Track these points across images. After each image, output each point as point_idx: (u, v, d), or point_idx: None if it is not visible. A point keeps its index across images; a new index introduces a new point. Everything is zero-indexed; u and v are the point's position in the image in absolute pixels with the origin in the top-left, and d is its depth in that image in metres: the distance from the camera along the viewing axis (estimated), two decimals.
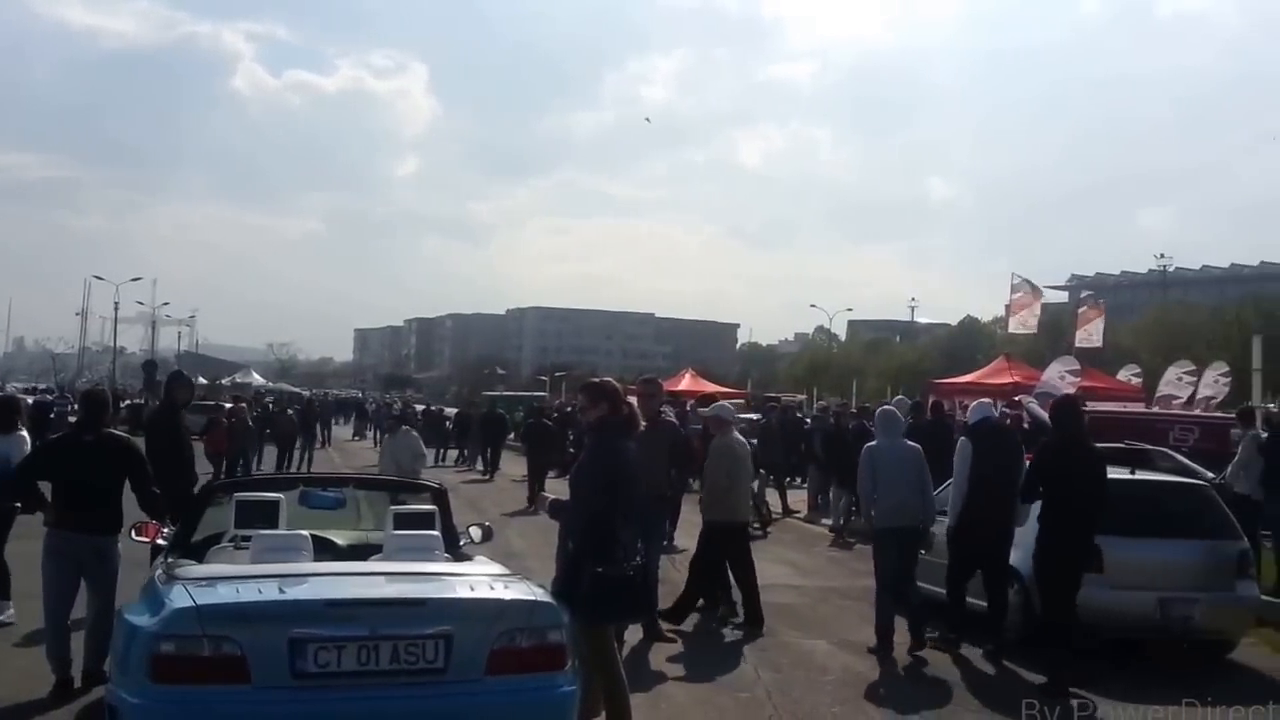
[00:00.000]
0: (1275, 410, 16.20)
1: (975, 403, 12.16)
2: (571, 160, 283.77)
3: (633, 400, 7.84)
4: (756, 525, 17.49)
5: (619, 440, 7.03)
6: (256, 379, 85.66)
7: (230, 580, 5.91)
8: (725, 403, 16.53)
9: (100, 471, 8.17)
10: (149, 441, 10.84)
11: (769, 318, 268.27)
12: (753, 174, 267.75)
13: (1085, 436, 9.92)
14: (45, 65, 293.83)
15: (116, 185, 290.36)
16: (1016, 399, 23.40)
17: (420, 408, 50.75)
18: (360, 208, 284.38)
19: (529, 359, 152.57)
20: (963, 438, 11.08)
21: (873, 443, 10.92)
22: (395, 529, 7.38)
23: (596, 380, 7.61)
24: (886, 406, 12.43)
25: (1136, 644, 10.42)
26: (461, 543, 7.95)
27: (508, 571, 6.70)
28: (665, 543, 13.27)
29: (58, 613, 8.09)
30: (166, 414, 11.95)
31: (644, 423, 9.36)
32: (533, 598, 6.05)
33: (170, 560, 6.94)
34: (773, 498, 21.78)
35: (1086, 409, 21.37)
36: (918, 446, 10.94)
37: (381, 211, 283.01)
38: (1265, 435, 14.46)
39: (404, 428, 17.05)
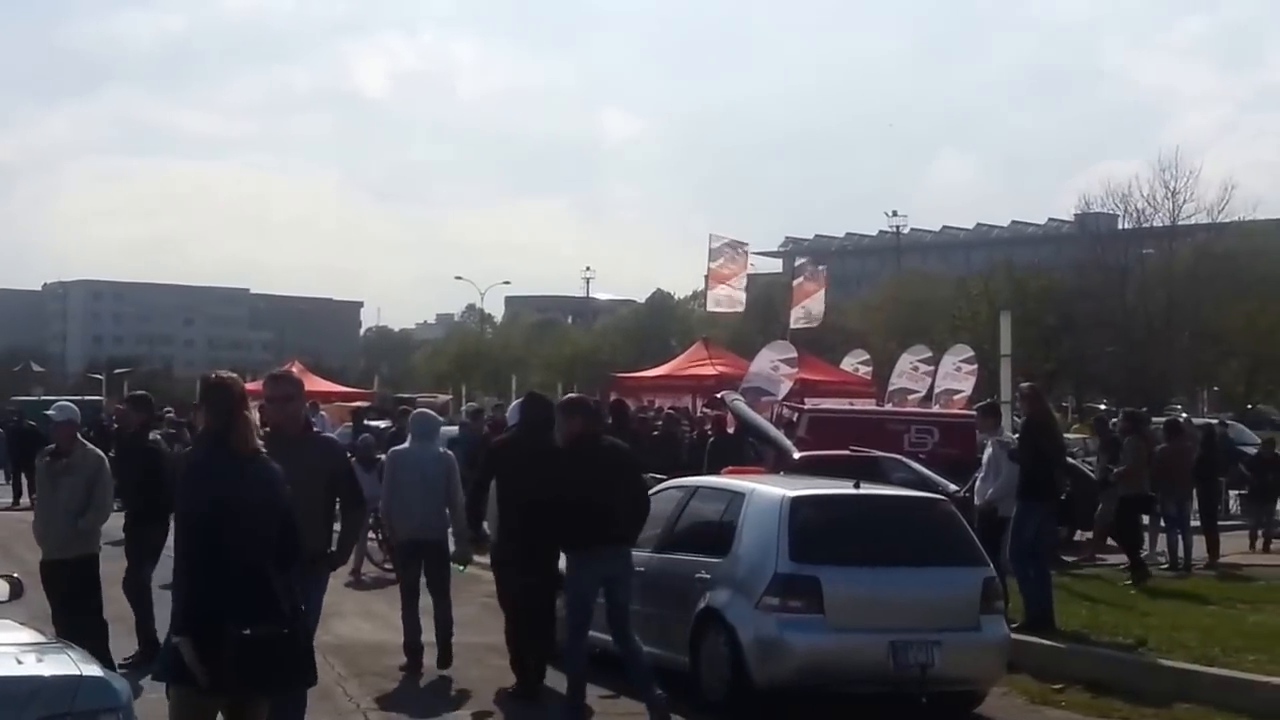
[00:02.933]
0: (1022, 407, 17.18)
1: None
2: (126, 80, 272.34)
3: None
4: None
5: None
6: None
7: None
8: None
9: None
10: None
11: (402, 294, 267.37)
12: (374, 102, 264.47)
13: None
14: None
15: None
16: (719, 396, 24.10)
17: None
18: None
19: (77, 351, 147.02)
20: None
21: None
22: None
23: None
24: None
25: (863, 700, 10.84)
26: None
27: (44, 639, 6.53)
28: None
29: None
30: None
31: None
32: (78, 672, 5.88)
33: None
34: None
35: (805, 408, 22.33)
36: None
37: None
38: (1015, 437, 15.23)
39: None
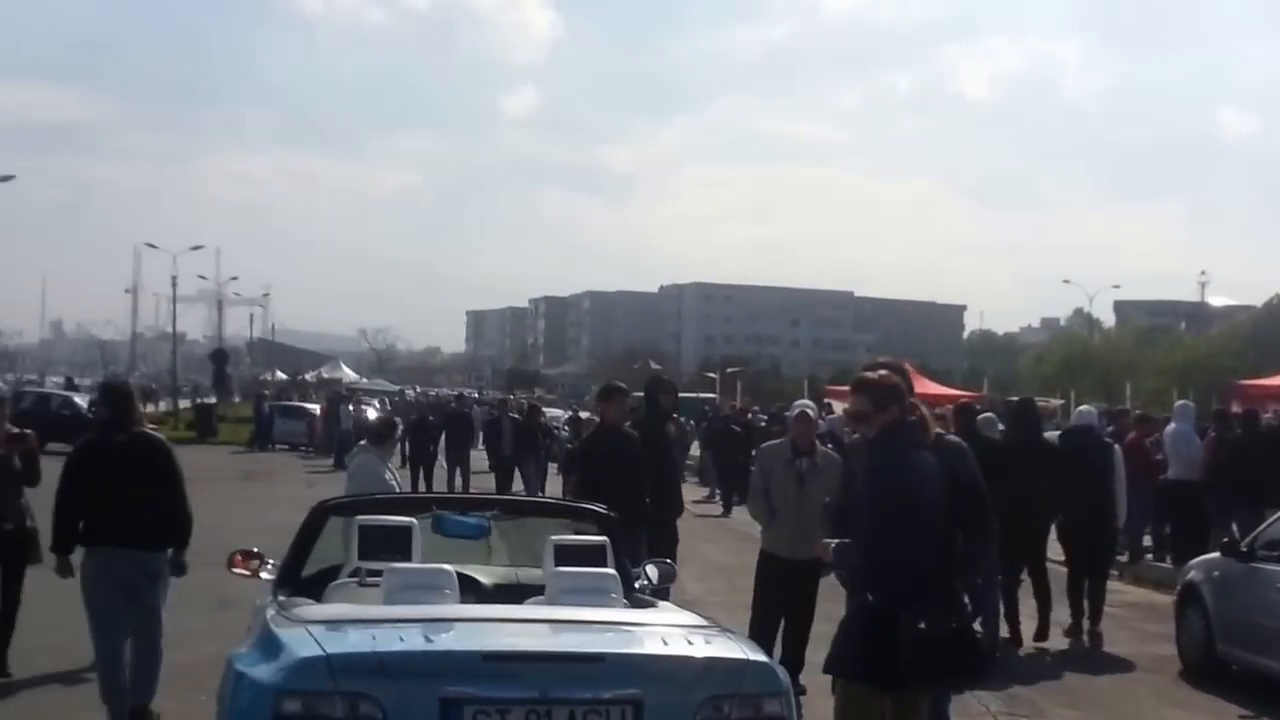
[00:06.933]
0: None
1: None
2: (733, 90, 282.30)
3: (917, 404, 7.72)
4: None
5: (912, 455, 7.13)
6: (347, 373, 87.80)
7: (363, 624, 6.10)
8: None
9: (141, 477, 9.16)
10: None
11: (1005, 298, 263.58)
12: (976, 105, 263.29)
13: None
14: None
15: (159, 129, 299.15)
16: None
17: (562, 414, 50.07)
18: (464, 154, 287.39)
19: (691, 350, 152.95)
20: None
21: None
22: (557, 564, 7.51)
23: (873, 376, 7.53)
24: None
25: None
26: (638, 583, 8.07)
27: (705, 621, 6.77)
28: None
29: (110, 647, 9.05)
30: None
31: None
32: (745, 656, 6.10)
33: (282, 598, 7.17)
34: None
35: None
36: None
37: (491, 159, 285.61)
38: None
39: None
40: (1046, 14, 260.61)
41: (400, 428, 19.79)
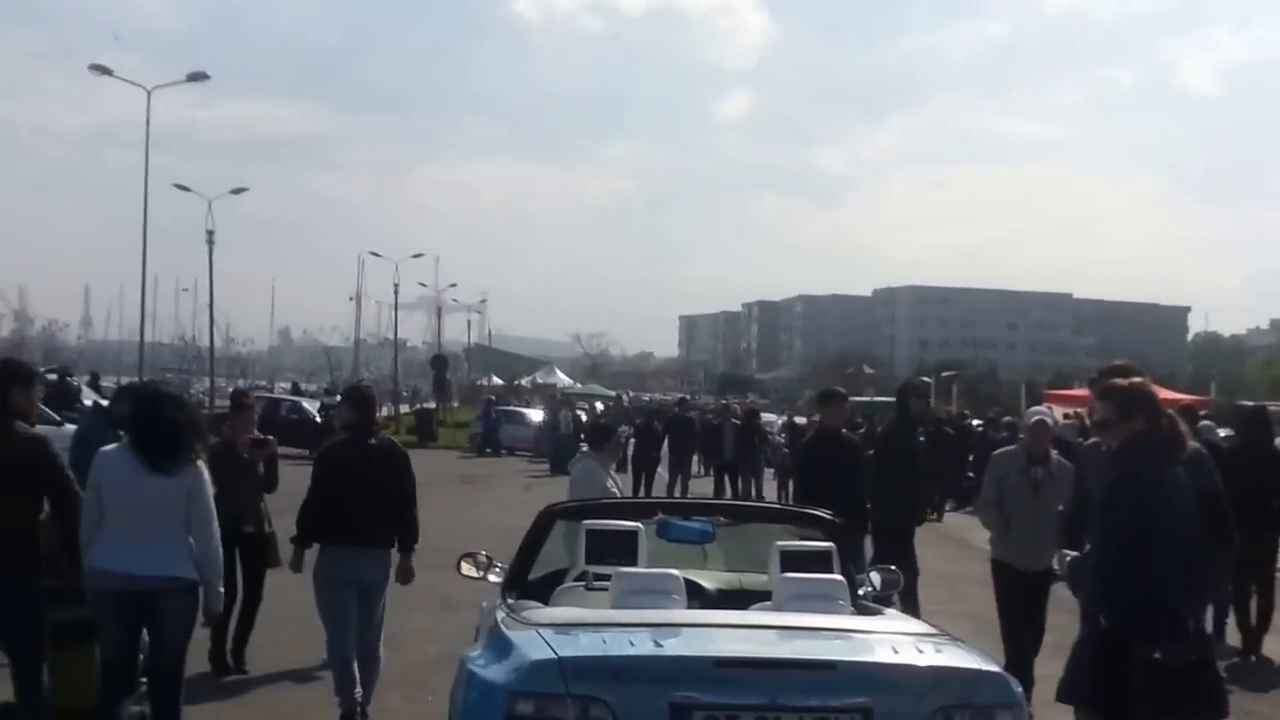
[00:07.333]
0: None
1: None
2: (948, 90, 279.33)
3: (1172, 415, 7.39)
4: None
5: (1159, 470, 6.90)
6: (561, 378, 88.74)
7: (592, 628, 6.16)
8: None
9: (386, 481, 9.58)
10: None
11: (1231, 298, 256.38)
12: (1202, 100, 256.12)
13: None
14: None
15: (380, 140, 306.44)
16: None
17: (776, 418, 49.95)
18: (677, 159, 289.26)
19: (904, 354, 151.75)
20: None
21: None
22: (782, 570, 7.50)
23: (1123, 382, 7.35)
24: None
25: None
26: (861, 590, 8.01)
27: (934, 630, 6.72)
28: None
29: (342, 641, 9.41)
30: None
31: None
32: (977, 666, 6.01)
33: (510, 601, 7.29)
34: None
35: None
36: None
37: (703, 163, 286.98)
38: None
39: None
40: (1273, 2, 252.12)
41: (628, 432, 19.97)
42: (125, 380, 41.94)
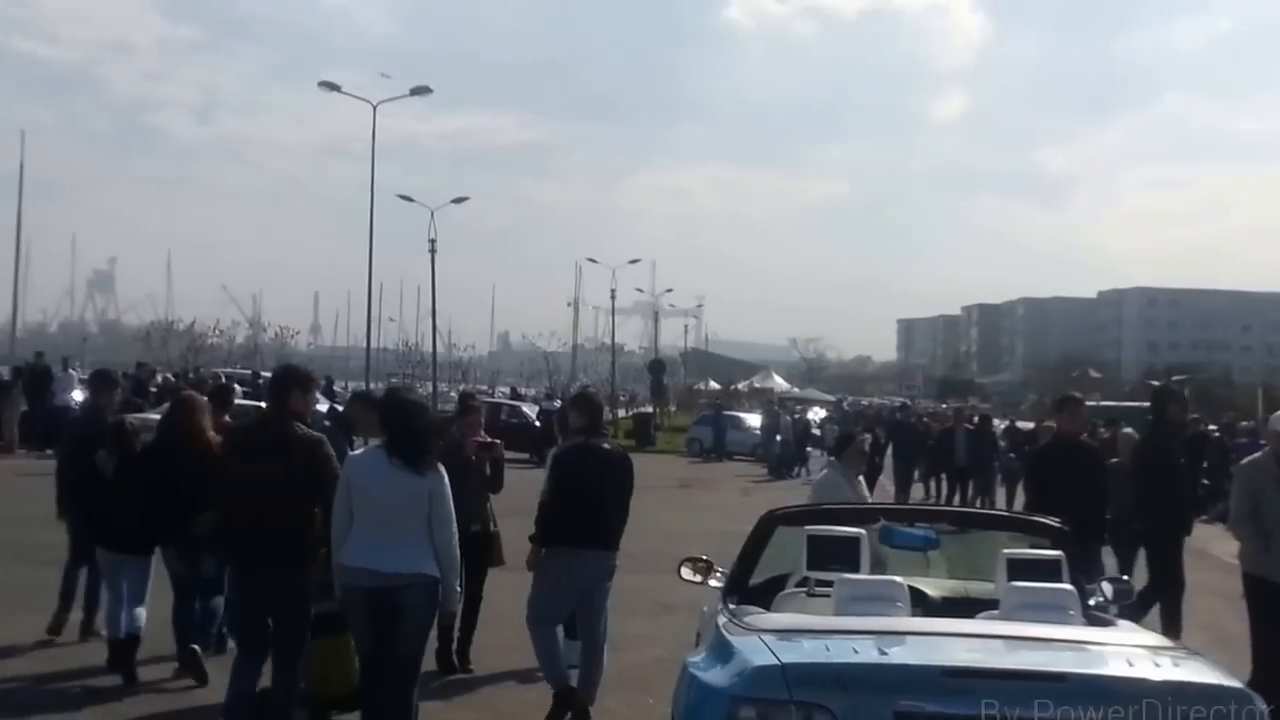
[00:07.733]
0: None
1: None
2: (1176, 87, 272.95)
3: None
4: None
5: None
6: (779, 383, 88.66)
7: (815, 635, 6.11)
8: None
9: (617, 484, 9.71)
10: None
11: None
12: None
13: None
14: (505, 11, 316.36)
15: (595, 147, 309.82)
16: None
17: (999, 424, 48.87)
18: (892, 162, 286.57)
19: (1131, 357, 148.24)
20: None
21: None
22: (1010, 579, 7.34)
23: None
24: None
25: None
26: (1093, 600, 7.80)
27: (1170, 643, 6.54)
28: None
29: (549, 637, 9.64)
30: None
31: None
32: (1219, 682, 5.80)
33: (732, 606, 7.26)
34: None
35: None
36: None
37: (920, 166, 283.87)
38: None
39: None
40: None
41: (868, 439, 19.72)
42: (354, 386, 42.94)
